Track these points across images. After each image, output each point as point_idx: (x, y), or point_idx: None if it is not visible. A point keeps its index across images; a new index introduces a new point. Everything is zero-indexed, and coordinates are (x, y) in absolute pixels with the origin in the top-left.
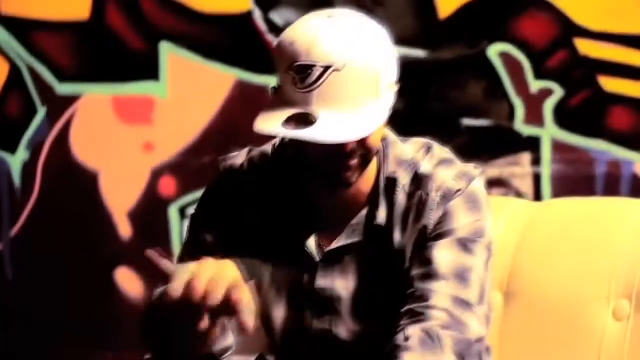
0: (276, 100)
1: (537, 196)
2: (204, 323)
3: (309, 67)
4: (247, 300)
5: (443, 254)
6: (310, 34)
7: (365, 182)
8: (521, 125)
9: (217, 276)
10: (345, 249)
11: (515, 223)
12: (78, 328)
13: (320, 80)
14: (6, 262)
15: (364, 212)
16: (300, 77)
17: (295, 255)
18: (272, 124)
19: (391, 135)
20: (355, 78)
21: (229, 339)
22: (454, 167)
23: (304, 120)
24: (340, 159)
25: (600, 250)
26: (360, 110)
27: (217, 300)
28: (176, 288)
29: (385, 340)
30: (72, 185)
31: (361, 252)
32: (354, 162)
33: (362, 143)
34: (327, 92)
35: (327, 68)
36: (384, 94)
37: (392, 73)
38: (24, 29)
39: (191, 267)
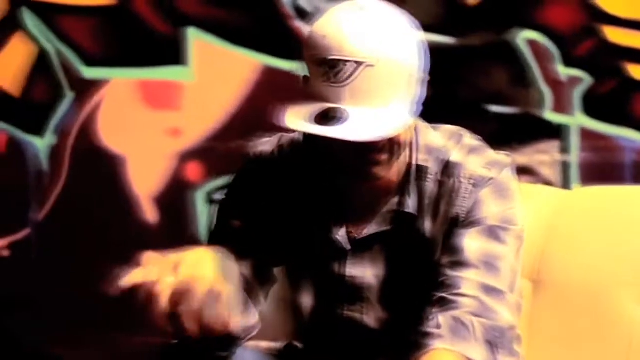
0: (306, 93)
1: (565, 184)
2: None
3: (341, 62)
4: (224, 295)
5: (473, 242)
6: (342, 28)
7: (396, 170)
8: (549, 113)
9: (195, 278)
10: (375, 237)
11: (543, 211)
12: (102, 312)
13: (353, 76)
14: (33, 246)
15: (394, 200)
16: (332, 72)
17: (324, 243)
18: (302, 119)
19: (421, 123)
20: (388, 74)
21: (252, 319)
22: (485, 155)
23: (335, 115)
24: (370, 155)
25: (629, 237)
26: (391, 106)
27: (195, 306)
28: (159, 302)
29: (414, 328)
30: (99, 169)
31: (391, 240)
32: (384, 157)
33: (393, 138)
34: (359, 87)
35: (359, 63)
36: (415, 88)
37: (422, 67)
38: (52, 14)
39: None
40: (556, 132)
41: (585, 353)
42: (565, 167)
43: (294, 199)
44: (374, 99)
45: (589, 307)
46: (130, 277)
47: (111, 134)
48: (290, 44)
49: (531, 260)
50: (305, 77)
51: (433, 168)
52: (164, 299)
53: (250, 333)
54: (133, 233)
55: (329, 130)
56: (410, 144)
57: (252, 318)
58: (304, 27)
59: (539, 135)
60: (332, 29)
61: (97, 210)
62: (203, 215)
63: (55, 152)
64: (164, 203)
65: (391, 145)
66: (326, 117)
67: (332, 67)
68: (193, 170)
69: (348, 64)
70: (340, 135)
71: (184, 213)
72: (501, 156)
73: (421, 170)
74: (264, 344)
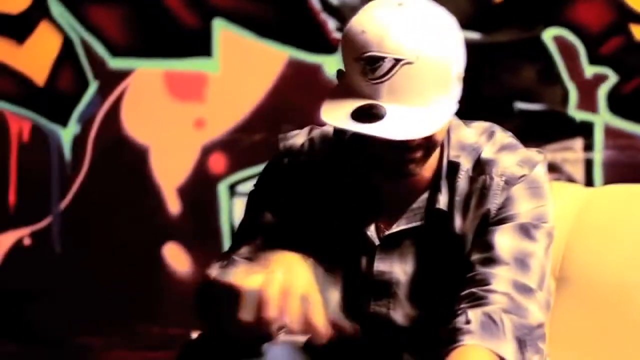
0: (342, 88)
1: (589, 182)
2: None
3: (380, 59)
4: (319, 309)
5: (505, 239)
6: (382, 24)
7: (428, 166)
8: (574, 111)
9: (288, 290)
10: (404, 233)
11: (568, 208)
12: (125, 302)
13: (391, 73)
14: (54, 235)
15: (425, 196)
16: (370, 68)
17: (353, 238)
18: (339, 115)
19: (454, 119)
20: (426, 72)
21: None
22: (517, 152)
23: (371, 112)
24: (405, 153)
25: None
26: (429, 104)
27: (291, 319)
28: (247, 313)
29: (442, 325)
30: (122, 160)
31: (420, 237)
32: (419, 154)
33: (429, 137)
34: (397, 85)
35: (398, 60)
36: (453, 87)
37: (460, 64)
38: (78, 3)
39: (257, 279)
40: (581, 130)
41: (607, 352)
42: (589, 164)
43: (324, 193)
44: (413, 97)
45: (611, 306)
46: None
47: (135, 125)
48: (316, 37)
49: (555, 257)
50: (339, 71)
51: (465, 164)
52: (294, 311)
53: (283, 328)
54: (156, 224)
55: (367, 127)
56: (443, 140)
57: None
58: (330, 21)
59: (564, 132)
60: (371, 25)
61: (119, 201)
62: (226, 207)
63: (79, 142)
64: (188, 194)
65: (426, 144)
66: (363, 114)
67: (371, 63)
68: (217, 162)
69: (387, 60)
70: (377, 133)
71: (207, 205)
72: (533, 153)
73: (453, 167)
74: (290, 338)
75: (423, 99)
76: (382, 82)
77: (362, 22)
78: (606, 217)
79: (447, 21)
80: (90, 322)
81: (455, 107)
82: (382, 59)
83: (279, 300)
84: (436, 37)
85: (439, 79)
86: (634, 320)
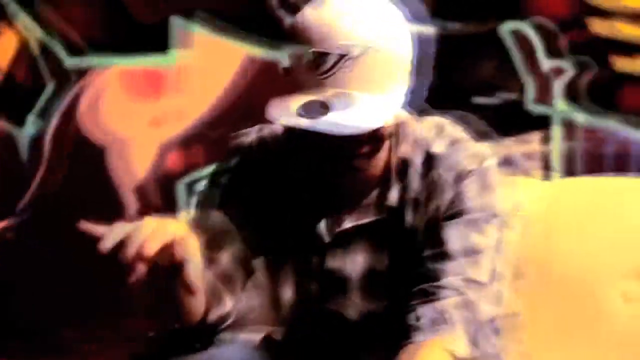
0: (289, 84)
1: (547, 175)
2: (135, 276)
3: (326, 54)
4: (192, 257)
5: (455, 234)
6: (327, 19)
7: (378, 162)
8: (531, 104)
9: (156, 231)
10: (355, 230)
11: (526, 202)
12: (84, 303)
13: (336, 67)
14: (13, 235)
15: (376, 192)
16: (316, 62)
17: (305, 235)
18: (286, 112)
19: (404, 114)
20: (372, 65)
21: (225, 307)
22: (467, 146)
23: (317, 107)
24: (353, 147)
25: (610, 230)
26: (376, 97)
27: (151, 252)
28: (105, 243)
29: (395, 320)
30: (80, 159)
31: (372, 233)
32: (366, 149)
33: (376, 130)
34: (343, 79)
35: (343, 55)
36: (400, 80)
37: (408, 57)
38: (35, 2)
39: (128, 226)
40: (538, 123)
41: (568, 345)
42: (546, 158)
43: (274, 190)
44: (359, 91)
45: (570, 300)
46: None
47: (92, 124)
48: (274, 33)
49: (512, 251)
50: (285, 68)
51: (416, 160)
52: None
53: (225, 321)
54: (114, 223)
55: (312, 122)
56: (394, 135)
57: (226, 306)
58: (288, 17)
59: (522, 126)
60: (317, 20)
61: (77, 200)
62: (185, 205)
63: (36, 142)
64: (145, 193)
65: (374, 137)
66: (309, 109)
67: (317, 58)
68: (174, 160)
69: (332, 55)
70: (323, 128)
71: (166, 203)
72: (483, 147)
73: (403, 162)
74: (243, 336)
75: (370, 92)
76: (327, 76)
77: (307, 19)
78: (562, 211)
79: (394, 15)
80: (46, 325)
81: (402, 100)
82: (328, 54)
83: (144, 238)
84: (382, 30)
85: (385, 73)
86: (594, 313)
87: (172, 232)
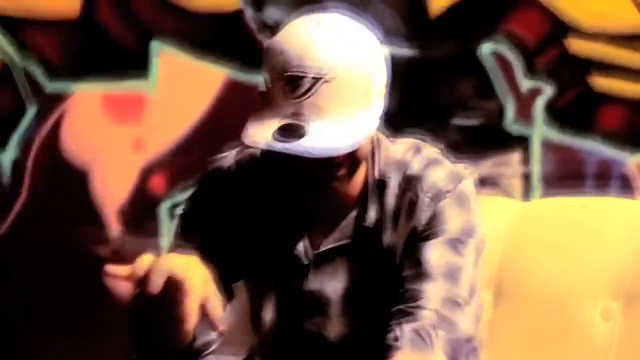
0: (265, 108)
1: (527, 195)
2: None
3: (300, 78)
4: (214, 295)
5: (433, 254)
6: (300, 43)
7: (355, 183)
8: (511, 124)
9: (181, 271)
10: (334, 251)
11: (504, 222)
12: (67, 326)
13: (311, 91)
14: None
15: (354, 213)
16: (290, 87)
17: (284, 257)
18: (261, 135)
19: (380, 136)
20: (346, 88)
21: (211, 333)
22: (444, 167)
23: (293, 130)
24: (329, 169)
25: (589, 250)
26: (350, 120)
27: (156, 287)
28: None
29: (375, 341)
30: (62, 183)
31: (351, 254)
32: (343, 171)
33: (352, 152)
34: (318, 102)
35: (317, 79)
36: (374, 102)
37: (382, 80)
38: (14, 26)
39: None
40: (518, 143)
41: None
42: (526, 178)
43: (253, 213)
44: (334, 114)
45: (548, 319)
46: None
47: (74, 148)
48: (253, 57)
49: (491, 271)
50: (262, 92)
51: (393, 181)
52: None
53: (210, 347)
54: (97, 246)
55: (287, 146)
56: (369, 157)
57: (212, 333)
58: (267, 40)
59: (501, 146)
60: (290, 44)
61: (60, 224)
62: (168, 228)
63: (18, 166)
64: (128, 216)
65: (350, 160)
66: (285, 133)
67: (290, 82)
68: (157, 183)
69: (306, 79)
70: (300, 150)
71: (148, 226)
72: (460, 167)
73: (381, 183)
74: (225, 359)
75: (344, 115)
76: (302, 100)
77: (281, 42)
78: (541, 231)
79: (367, 37)
80: (31, 349)
81: (377, 122)
82: (302, 77)
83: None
84: (355, 53)
85: (359, 96)
86: (569, 332)
87: (177, 266)
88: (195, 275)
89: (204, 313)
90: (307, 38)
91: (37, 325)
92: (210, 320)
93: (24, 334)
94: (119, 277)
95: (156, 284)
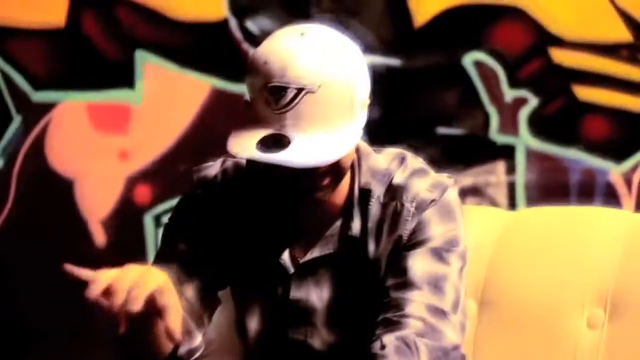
0: (249, 118)
1: (512, 205)
2: (123, 328)
3: (283, 89)
4: (172, 306)
5: (418, 264)
6: (284, 54)
7: (339, 193)
8: (495, 134)
9: (139, 283)
10: (319, 261)
11: (489, 232)
12: (52, 336)
13: (294, 102)
14: None
15: (338, 223)
16: (274, 97)
17: (269, 266)
18: (246, 146)
19: (364, 146)
20: (330, 99)
21: (195, 341)
22: (428, 177)
23: (277, 141)
24: (313, 180)
25: (575, 259)
26: (334, 131)
27: (137, 307)
28: (92, 291)
29: (360, 350)
30: (47, 193)
31: (335, 263)
32: (326, 181)
33: (335, 163)
34: (301, 113)
35: (300, 89)
36: (358, 113)
37: (365, 91)
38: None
39: (112, 273)
40: (502, 153)
41: None
42: (511, 187)
43: (238, 222)
44: (317, 124)
45: (534, 328)
46: (97, 284)
47: (59, 158)
48: (239, 67)
49: (477, 280)
50: (246, 101)
51: (376, 191)
52: (140, 300)
53: (194, 355)
54: (83, 257)
55: (271, 156)
56: (354, 167)
57: (195, 340)
58: (252, 50)
59: (486, 156)
60: (273, 55)
61: (45, 234)
62: (153, 237)
63: (3, 176)
64: (113, 226)
65: (334, 170)
66: (269, 143)
67: (274, 93)
68: (142, 194)
69: (289, 90)
70: (283, 161)
71: (134, 236)
72: (444, 177)
73: (365, 193)
74: None
75: (328, 126)
76: (286, 111)
77: (265, 53)
78: (527, 240)
79: (350, 48)
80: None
81: (360, 133)
82: (285, 88)
83: (129, 290)
84: (339, 64)
85: (343, 106)
86: (555, 341)
87: (154, 283)
88: (171, 289)
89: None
90: (291, 49)
91: (22, 335)
92: (166, 328)
93: (8, 344)
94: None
95: (137, 303)
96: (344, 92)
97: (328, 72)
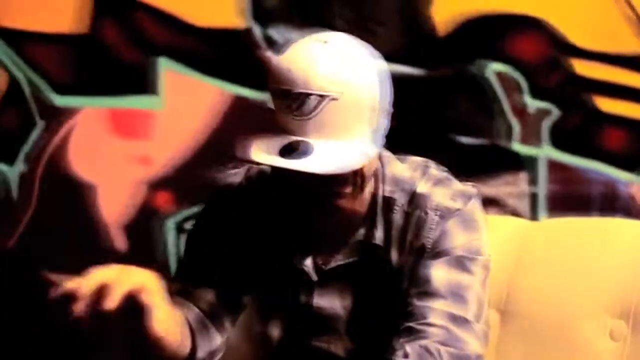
0: (271, 125)
1: (532, 215)
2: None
3: (305, 96)
4: (155, 306)
5: (440, 273)
6: (307, 62)
7: (362, 202)
8: (517, 145)
9: (116, 280)
10: (342, 269)
11: (511, 242)
12: (71, 341)
13: (317, 110)
14: (1, 275)
15: (361, 231)
16: (296, 104)
17: (292, 274)
18: (267, 152)
19: (388, 154)
20: (351, 107)
21: (214, 342)
22: (451, 186)
23: (298, 148)
24: (334, 187)
25: (597, 270)
26: (355, 138)
27: (111, 305)
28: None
29: (383, 358)
30: (69, 198)
31: (358, 271)
32: (348, 189)
33: (356, 171)
34: (323, 121)
35: (323, 97)
36: (379, 121)
37: (387, 99)
38: (23, 42)
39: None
40: (524, 164)
41: None
42: (532, 198)
43: (263, 229)
44: (338, 132)
45: (556, 339)
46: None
47: (81, 162)
48: (260, 74)
49: (498, 290)
50: (268, 108)
51: (400, 199)
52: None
53: (213, 357)
54: (103, 262)
55: (292, 163)
56: (377, 175)
57: (215, 342)
58: (274, 58)
59: (507, 166)
60: (296, 63)
61: (66, 239)
62: (173, 244)
63: (25, 180)
64: (134, 231)
65: (355, 178)
66: (291, 150)
67: (296, 100)
68: (163, 199)
69: (312, 97)
70: (304, 168)
71: (154, 242)
72: (467, 187)
73: (388, 202)
74: None
75: (348, 133)
76: (308, 118)
77: (288, 60)
78: (548, 251)
79: (372, 56)
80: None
81: (381, 141)
82: (308, 96)
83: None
84: (361, 72)
85: (363, 114)
86: (577, 353)
87: (132, 282)
88: (157, 288)
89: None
90: (314, 56)
91: (39, 338)
92: (148, 328)
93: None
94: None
95: (114, 299)
96: (366, 99)
97: (350, 80)
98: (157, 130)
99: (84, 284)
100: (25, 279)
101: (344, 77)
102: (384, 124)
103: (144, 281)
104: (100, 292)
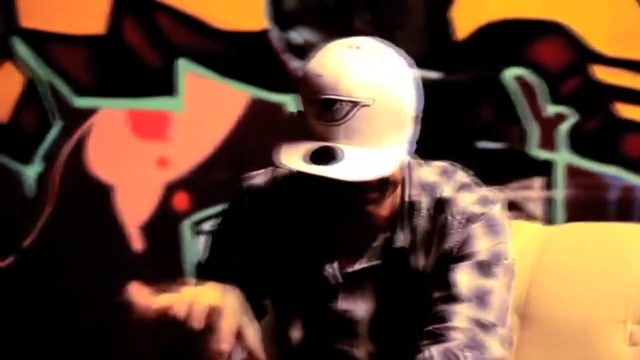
0: (300, 130)
1: (550, 220)
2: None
3: (337, 102)
4: (224, 328)
5: (464, 277)
6: (338, 67)
7: (386, 206)
8: (535, 149)
9: (196, 300)
10: (366, 272)
11: (529, 247)
12: (89, 342)
13: (348, 116)
14: (18, 274)
15: (386, 235)
16: (327, 110)
17: (315, 277)
18: (295, 157)
19: (411, 159)
20: (382, 114)
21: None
22: (476, 191)
23: (328, 154)
24: (363, 193)
25: (615, 274)
26: (385, 145)
27: (198, 325)
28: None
29: None
30: (87, 198)
31: (382, 275)
32: (376, 195)
33: (385, 178)
34: (354, 127)
35: (355, 103)
36: (410, 127)
37: (415, 105)
38: (42, 42)
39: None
40: (542, 168)
41: None
42: (550, 203)
43: (286, 232)
44: (369, 138)
45: (574, 343)
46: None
47: (100, 163)
48: (280, 76)
49: (517, 295)
50: (298, 112)
51: (425, 204)
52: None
53: None
54: (120, 262)
55: (323, 169)
56: (404, 179)
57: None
58: (293, 61)
59: (525, 171)
60: (328, 68)
61: (84, 239)
62: (190, 245)
63: (44, 180)
64: (152, 233)
65: (384, 184)
66: (320, 156)
67: (328, 106)
68: (181, 201)
69: (344, 103)
70: (334, 175)
71: (172, 243)
72: (492, 192)
73: (413, 206)
74: None
75: (379, 140)
76: (339, 124)
77: (319, 65)
78: (567, 256)
79: (403, 63)
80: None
81: (410, 147)
82: (339, 102)
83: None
84: (392, 79)
85: (394, 121)
86: (596, 356)
87: (208, 301)
88: (230, 304)
89: (241, 343)
90: (345, 62)
91: (56, 338)
92: (248, 349)
93: (41, 348)
94: (142, 302)
95: (200, 320)
96: (396, 106)
97: (382, 87)
98: (176, 132)
99: (175, 305)
100: (43, 278)
101: (377, 84)
102: (415, 130)
103: (215, 300)
104: (188, 313)
